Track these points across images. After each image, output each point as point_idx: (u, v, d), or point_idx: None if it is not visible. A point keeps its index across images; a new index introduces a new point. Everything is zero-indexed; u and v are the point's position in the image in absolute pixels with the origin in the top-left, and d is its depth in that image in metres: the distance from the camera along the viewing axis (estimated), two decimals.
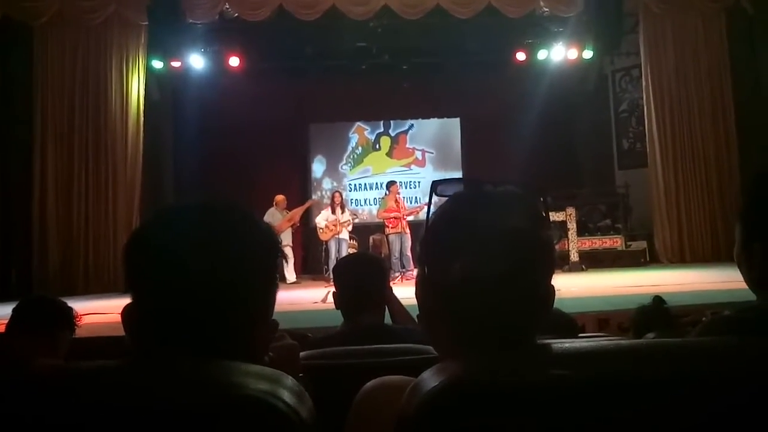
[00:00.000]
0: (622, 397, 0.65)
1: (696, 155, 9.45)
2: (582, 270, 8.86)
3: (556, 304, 0.82)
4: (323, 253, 9.46)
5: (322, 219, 9.21)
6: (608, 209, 10.46)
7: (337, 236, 9.05)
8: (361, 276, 2.06)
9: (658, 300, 2.38)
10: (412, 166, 11.85)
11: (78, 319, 2.33)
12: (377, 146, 11.88)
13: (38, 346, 2.13)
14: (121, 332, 0.81)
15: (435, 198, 0.84)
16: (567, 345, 0.72)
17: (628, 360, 0.70)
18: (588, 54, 10.22)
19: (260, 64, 10.43)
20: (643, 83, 9.70)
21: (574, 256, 9.05)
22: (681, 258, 9.34)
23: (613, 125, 11.37)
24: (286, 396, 0.66)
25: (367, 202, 11.51)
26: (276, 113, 10.94)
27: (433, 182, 0.85)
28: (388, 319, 2.21)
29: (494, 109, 10.87)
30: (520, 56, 10.38)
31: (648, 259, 9.67)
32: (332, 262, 8.57)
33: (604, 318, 4.39)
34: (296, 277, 9.53)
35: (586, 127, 11.54)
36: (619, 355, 0.71)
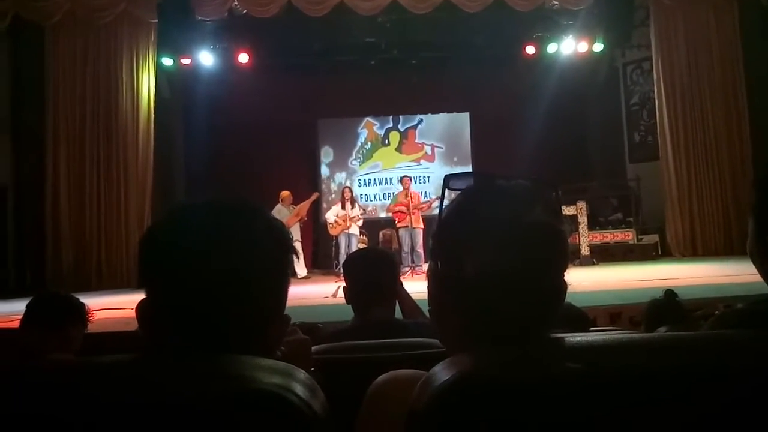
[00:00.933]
0: (634, 391, 0.65)
1: (708, 148, 9.35)
2: (593, 264, 8.81)
3: (567, 298, 0.81)
4: (333, 248, 9.49)
5: (332, 214, 9.24)
6: (619, 203, 10.41)
7: (347, 231, 9.07)
8: (372, 270, 2.06)
9: (670, 293, 2.36)
10: (422, 161, 11.82)
11: (90, 315, 2.35)
12: (386, 141, 11.87)
13: (51, 340, 2.16)
14: (133, 327, 0.82)
15: (447, 192, 0.84)
16: (579, 338, 0.72)
17: (641, 353, 0.69)
18: (598, 47, 10.15)
19: (269, 61, 10.46)
20: (655, 76, 9.61)
21: (584, 250, 9.01)
22: (693, 251, 9.26)
23: (624, 118, 11.29)
24: (299, 390, 0.66)
25: (377, 197, 11.50)
26: (285, 109, 10.96)
27: (446, 176, 0.86)
28: (398, 314, 2.21)
29: (504, 103, 10.83)
30: (530, 50, 10.32)
31: (660, 252, 9.61)
32: (342, 257, 8.58)
33: (616, 312, 4.36)
34: (307, 272, 9.56)
35: (596, 121, 11.45)
36: (632, 348, 0.71)
